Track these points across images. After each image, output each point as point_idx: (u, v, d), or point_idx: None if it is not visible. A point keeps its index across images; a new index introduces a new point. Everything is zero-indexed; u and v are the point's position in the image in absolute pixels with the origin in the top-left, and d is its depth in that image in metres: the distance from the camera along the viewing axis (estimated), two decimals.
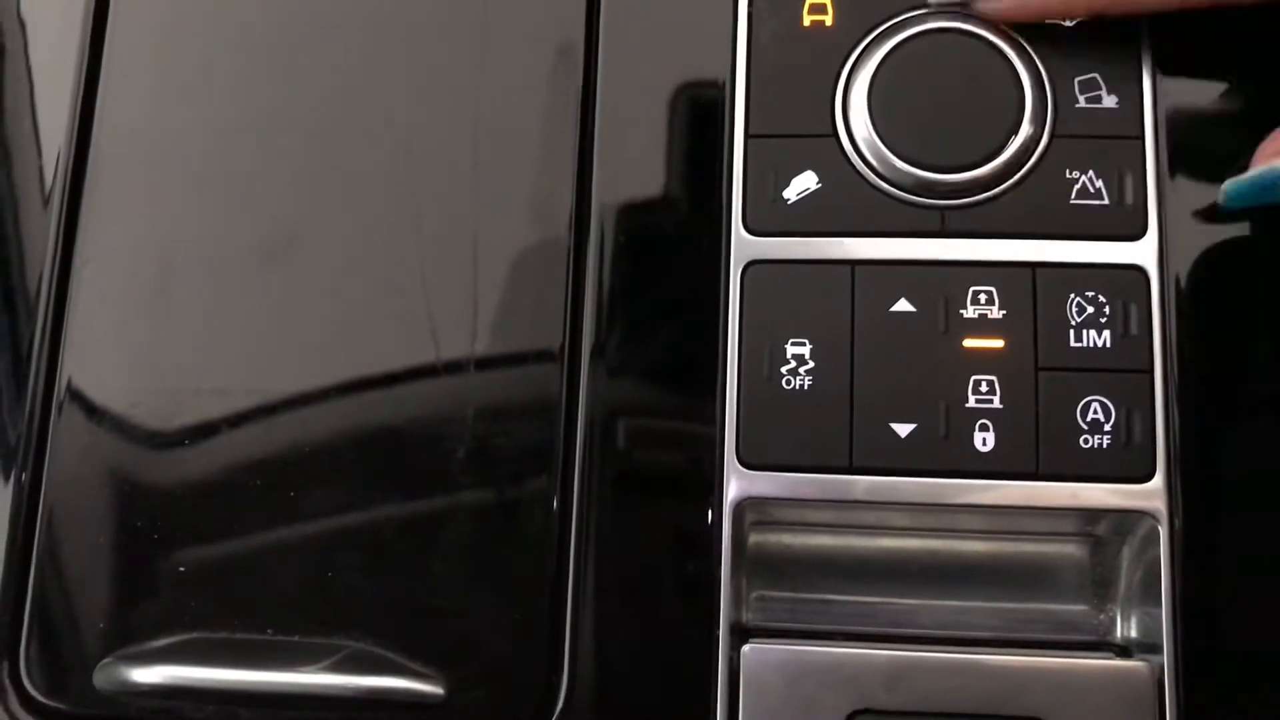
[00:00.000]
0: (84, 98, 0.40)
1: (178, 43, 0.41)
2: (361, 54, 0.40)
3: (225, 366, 0.38)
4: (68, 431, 0.38)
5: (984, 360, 0.35)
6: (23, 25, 0.42)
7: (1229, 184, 0.34)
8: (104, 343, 0.39)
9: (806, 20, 0.38)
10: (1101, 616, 0.36)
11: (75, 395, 0.38)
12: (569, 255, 0.37)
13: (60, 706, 0.37)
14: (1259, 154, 0.34)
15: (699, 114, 0.38)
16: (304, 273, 0.38)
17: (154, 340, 0.38)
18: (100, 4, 0.41)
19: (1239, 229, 0.36)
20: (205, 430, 0.38)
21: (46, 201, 0.40)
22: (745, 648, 0.35)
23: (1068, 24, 0.37)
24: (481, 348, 0.37)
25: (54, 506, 0.38)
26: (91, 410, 0.38)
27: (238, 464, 0.38)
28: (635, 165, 0.37)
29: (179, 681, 0.36)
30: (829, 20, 0.37)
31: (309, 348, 0.38)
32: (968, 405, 0.35)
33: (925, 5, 0.37)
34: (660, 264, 0.37)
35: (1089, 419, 0.34)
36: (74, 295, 0.39)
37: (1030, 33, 0.37)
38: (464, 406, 0.37)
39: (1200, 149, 0.36)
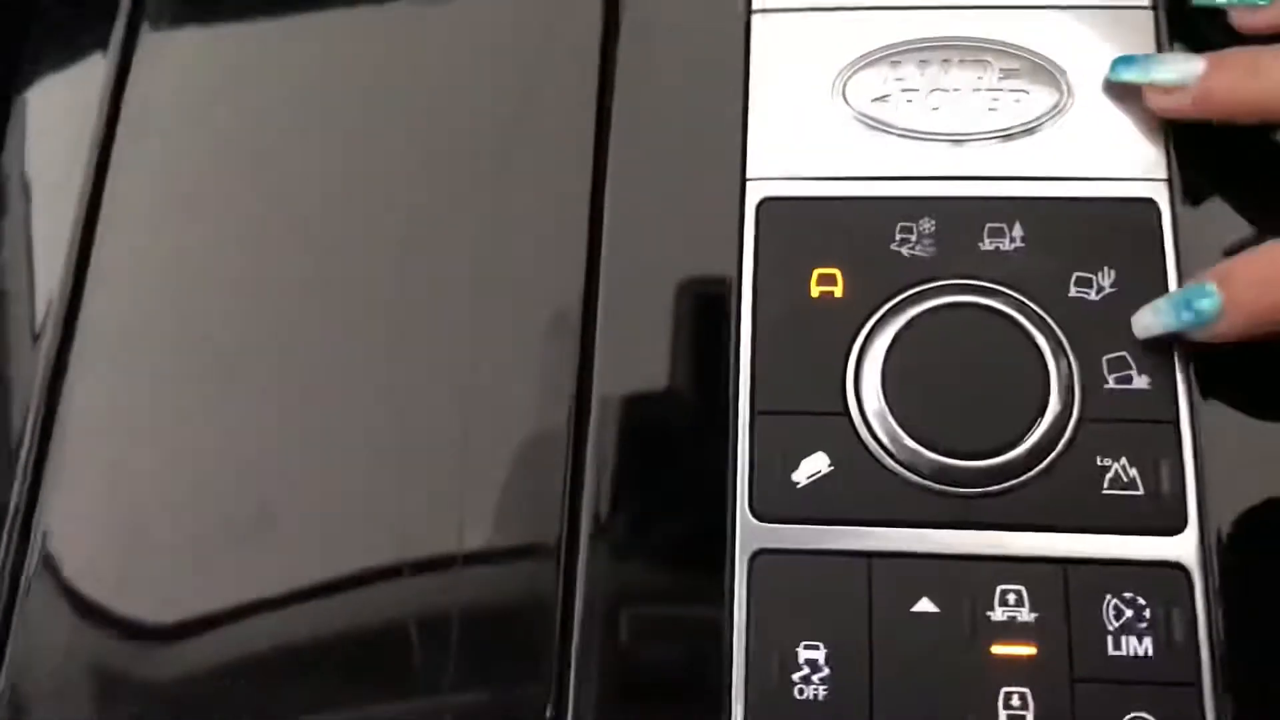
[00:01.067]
0: (79, 257, 0.39)
1: (172, 216, 0.40)
2: (357, 242, 0.38)
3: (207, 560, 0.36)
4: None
5: (1015, 669, 0.32)
6: (25, 186, 0.41)
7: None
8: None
9: (815, 291, 0.36)
10: None
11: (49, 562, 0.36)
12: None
13: None
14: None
15: (703, 393, 0.36)
16: (295, 454, 0.36)
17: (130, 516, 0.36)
18: (98, 178, 0.40)
19: None
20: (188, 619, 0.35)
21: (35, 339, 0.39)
22: None
23: (1094, 297, 0.35)
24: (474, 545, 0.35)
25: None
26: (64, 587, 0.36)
27: (211, 657, 0.35)
28: (630, 458, 0.35)
29: None
30: (838, 291, 0.36)
31: (297, 535, 0.36)
32: None
33: (937, 280, 0.35)
34: (664, 559, 0.35)
35: None
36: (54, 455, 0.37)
37: (1056, 308, 0.35)
38: (455, 602, 0.35)
39: (1240, 431, 0.33)
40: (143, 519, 0.37)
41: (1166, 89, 0.36)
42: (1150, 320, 0.34)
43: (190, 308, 0.39)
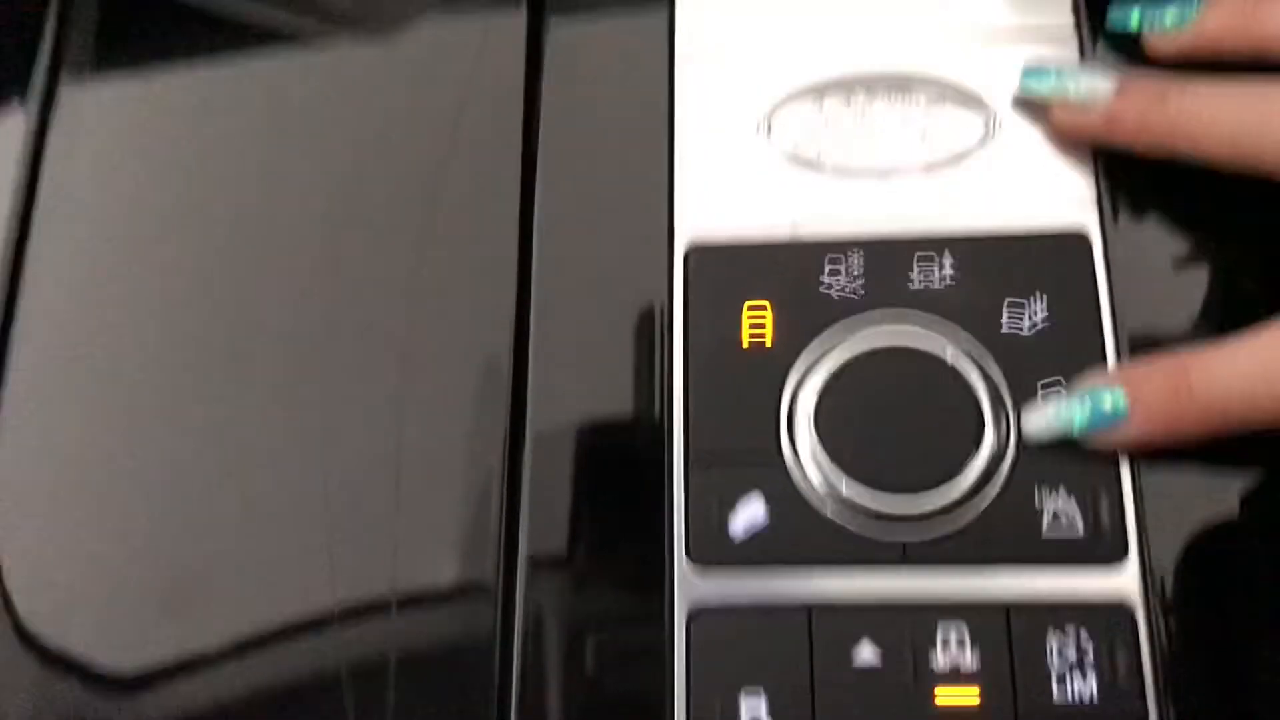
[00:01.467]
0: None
1: (94, 278, 0.39)
2: (283, 288, 0.38)
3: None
4: None
5: (959, 717, 0.31)
6: None
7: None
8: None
9: (746, 335, 0.35)
10: None
11: None
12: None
13: None
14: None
15: (636, 440, 0.35)
16: (225, 502, 0.36)
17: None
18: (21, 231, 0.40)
19: (1225, 545, 0.33)
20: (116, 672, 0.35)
21: None
22: None
23: (1026, 331, 0.34)
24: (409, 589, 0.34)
25: None
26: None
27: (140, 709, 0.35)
28: (563, 508, 0.35)
29: None
30: (769, 334, 0.35)
31: (229, 585, 0.35)
32: None
33: (868, 319, 0.35)
34: (601, 613, 0.34)
35: None
36: None
37: (987, 343, 0.34)
38: (392, 648, 0.34)
39: (1178, 462, 0.33)
40: (71, 574, 0.36)
41: (1075, 106, 0.35)
42: (1048, 420, 0.33)
43: (114, 362, 0.38)
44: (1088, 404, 0.32)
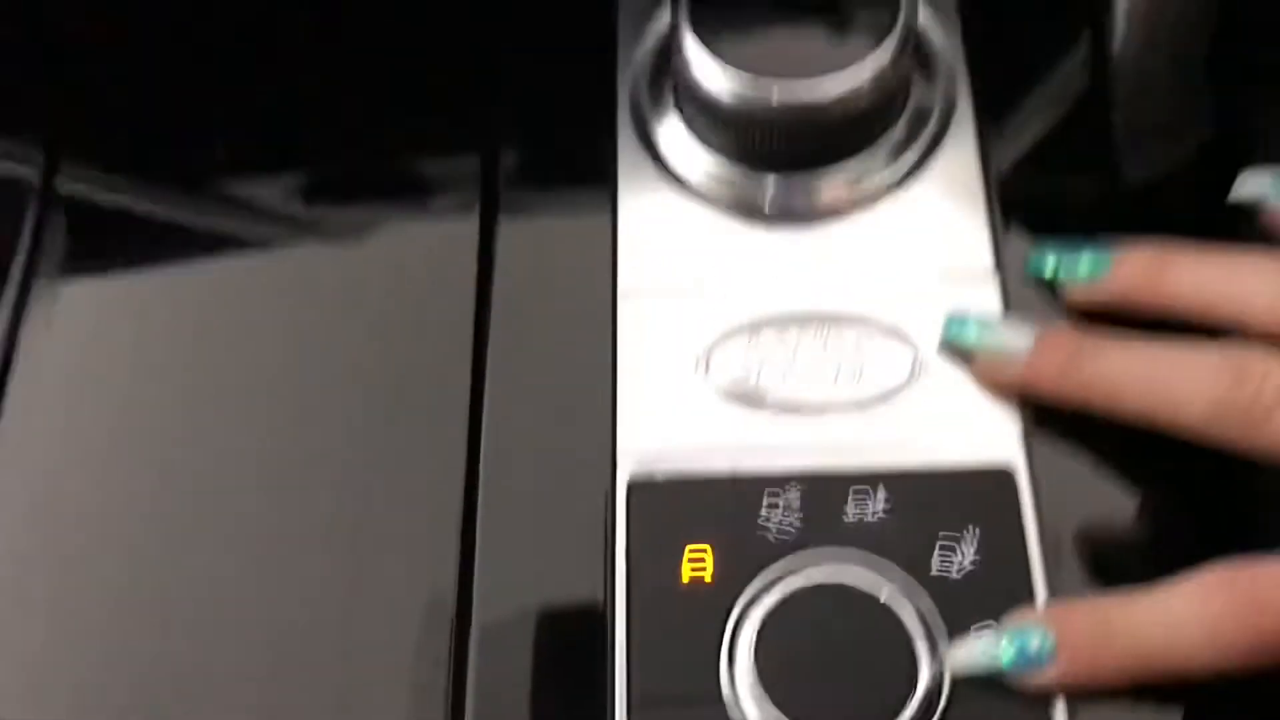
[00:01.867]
0: None
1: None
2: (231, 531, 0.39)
3: None
4: None
5: None
6: None
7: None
8: None
9: (686, 574, 0.36)
10: None
11: None
12: None
13: None
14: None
15: (581, 680, 0.35)
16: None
17: None
18: None
19: None
20: None
21: None
22: None
23: (955, 575, 0.35)
24: None
25: None
26: None
27: None
28: None
29: None
30: (709, 573, 0.36)
31: None
32: None
33: (807, 557, 0.35)
34: None
35: None
36: None
37: (920, 585, 0.35)
38: None
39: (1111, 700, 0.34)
40: None
41: (994, 360, 0.37)
42: (974, 657, 0.34)
43: (77, 550, 0.39)
44: (1015, 643, 0.33)
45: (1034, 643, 0.33)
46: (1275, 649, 0.31)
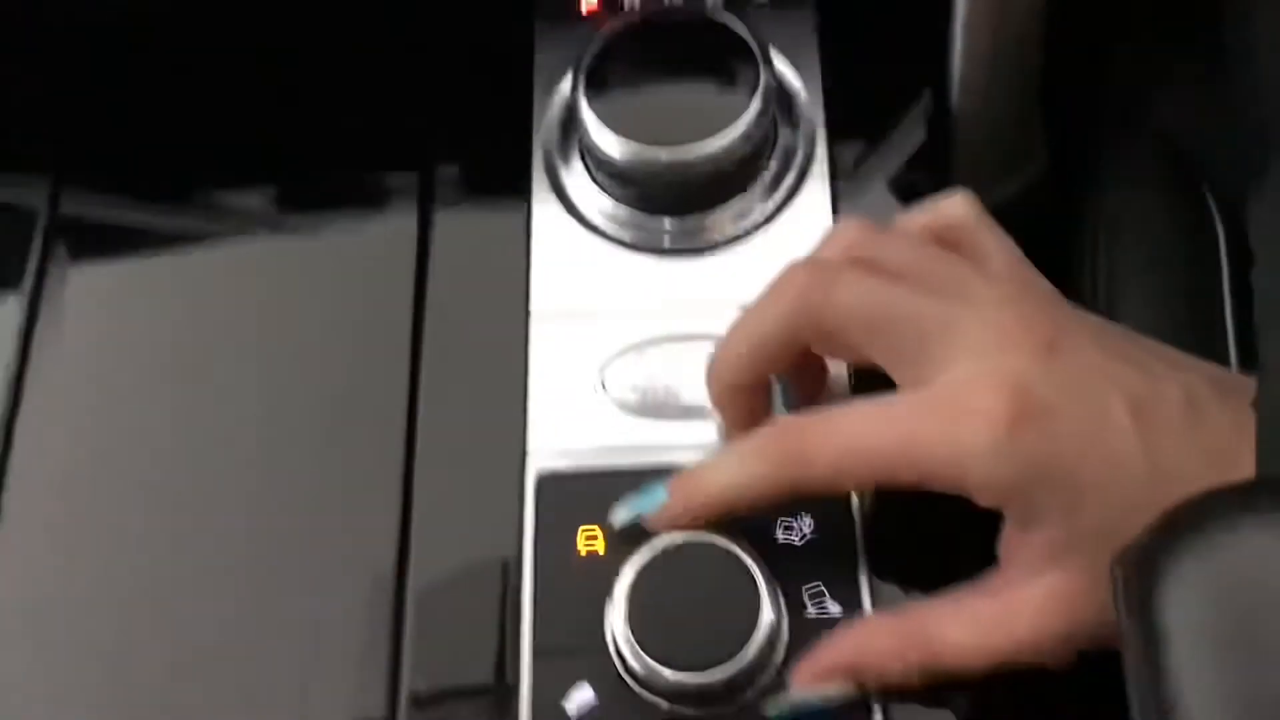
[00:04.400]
0: None
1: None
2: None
3: None
4: None
5: None
6: None
7: (770, 707, 0.41)
8: None
9: (582, 549, 0.44)
10: None
11: None
12: None
13: None
14: (796, 675, 0.41)
15: (495, 638, 0.44)
16: None
17: None
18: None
19: None
20: None
21: None
22: None
23: (797, 542, 0.44)
24: None
25: None
26: None
27: None
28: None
29: None
30: (601, 548, 0.44)
31: None
32: None
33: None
34: None
35: None
36: None
37: (764, 547, 0.43)
38: None
39: None
40: None
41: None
42: (620, 515, 0.44)
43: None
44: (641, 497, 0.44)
45: (656, 496, 0.43)
46: (807, 488, 0.41)
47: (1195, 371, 0.41)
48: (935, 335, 0.40)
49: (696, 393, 0.46)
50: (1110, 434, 0.38)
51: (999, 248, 0.43)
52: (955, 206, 0.44)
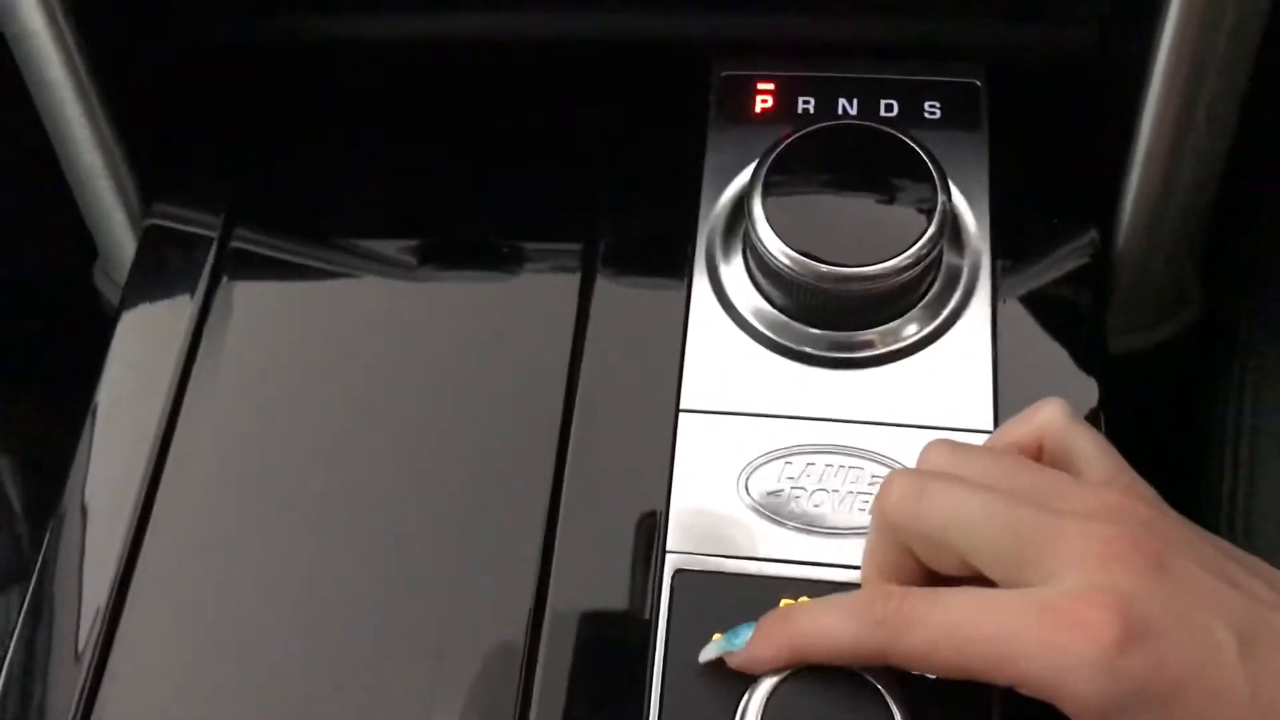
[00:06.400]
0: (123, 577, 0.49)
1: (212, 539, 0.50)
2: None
3: None
4: None
5: None
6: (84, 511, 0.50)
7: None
8: None
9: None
10: None
11: None
12: None
13: None
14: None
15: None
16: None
17: None
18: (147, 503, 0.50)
19: None
20: None
21: (77, 659, 0.47)
22: None
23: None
24: None
25: None
26: None
27: None
28: None
29: None
30: None
31: None
32: None
33: None
34: None
35: None
36: None
37: (901, 675, 0.43)
38: None
39: None
40: None
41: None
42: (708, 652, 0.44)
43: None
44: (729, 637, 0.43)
45: (742, 637, 0.43)
46: (895, 659, 0.40)
47: None
48: (1033, 540, 0.40)
49: (836, 509, 0.47)
50: (1215, 663, 0.37)
51: (1096, 452, 0.43)
52: (1046, 413, 0.45)
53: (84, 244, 0.61)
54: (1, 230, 0.69)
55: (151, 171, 0.57)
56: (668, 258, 0.53)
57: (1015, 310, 0.51)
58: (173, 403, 0.52)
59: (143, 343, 0.53)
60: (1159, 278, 0.54)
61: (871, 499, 0.47)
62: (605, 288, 0.53)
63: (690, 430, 0.49)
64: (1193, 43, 0.49)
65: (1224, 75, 0.50)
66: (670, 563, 0.47)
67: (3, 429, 0.72)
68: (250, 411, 0.52)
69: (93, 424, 0.52)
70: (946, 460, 0.44)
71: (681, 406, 0.50)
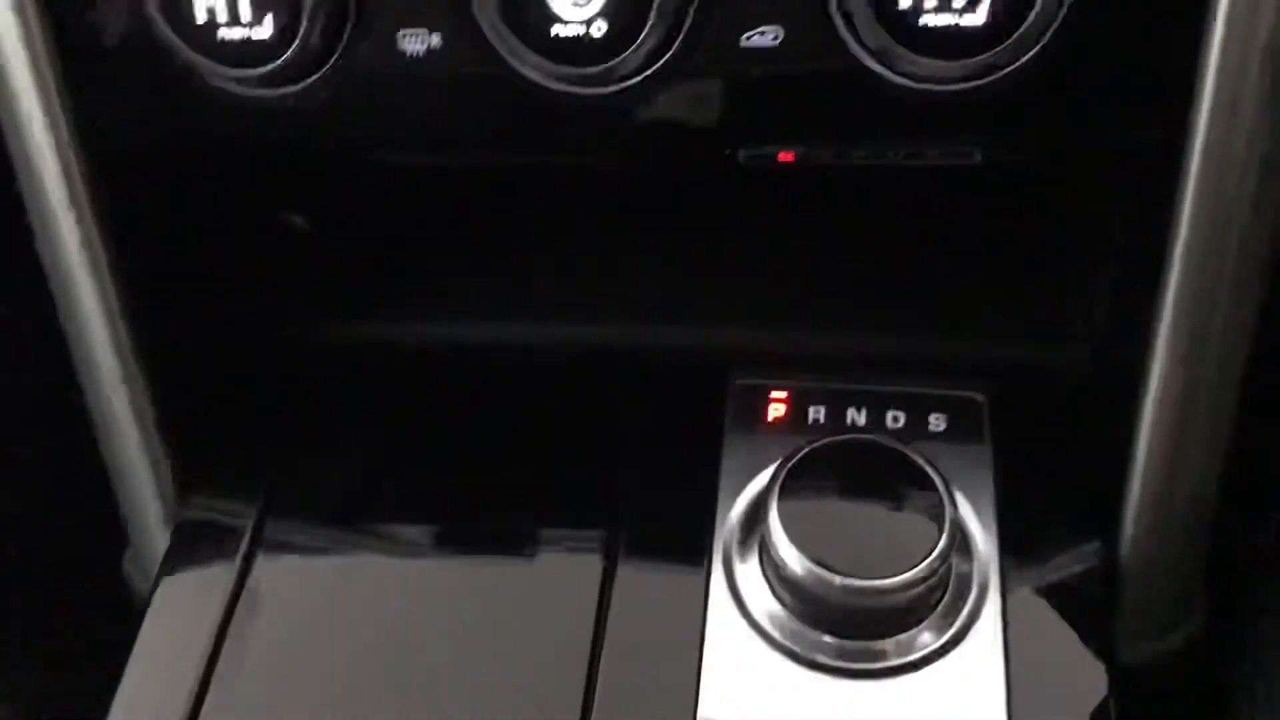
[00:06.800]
0: None
1: None
2: None
3: None
4: None
5: None
6: None
7: None
8: None
9: None
10: None
11: None
12: None
13: None
14: None
15: None
16: None
17: None
18: None
19: None
20: None
21: None
22: None
23: None
24: None
25: None
26: None
27: None
28: None
29: None
30: None
31: None
32: None
33: None
34: None
35: None
36: None
37: None
38: None
39: None
40: None
41: None
42: None
43: None
44: None
45: None
46: None
47: None
48: None
49: None
50: None
51: None
52: None
53: (115, 533, 0.62)
54: (31, 512, 0.71)
55: (186, 467, 0.59)
56: (686, 558, 0.54)
57: (1025, 623, 0.52)
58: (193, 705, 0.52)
59: (168, 642, 0.54)
60: (1163, 588, 0.56)
61: None
62: (625, 586, 0.54)
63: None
64: (1184, 356, 0.51)
65: (1216, 394, 0.52)
66: None
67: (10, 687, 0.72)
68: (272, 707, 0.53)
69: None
70: None
71: (700, 715, 0.50)
